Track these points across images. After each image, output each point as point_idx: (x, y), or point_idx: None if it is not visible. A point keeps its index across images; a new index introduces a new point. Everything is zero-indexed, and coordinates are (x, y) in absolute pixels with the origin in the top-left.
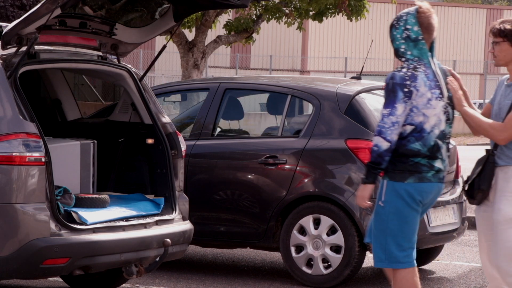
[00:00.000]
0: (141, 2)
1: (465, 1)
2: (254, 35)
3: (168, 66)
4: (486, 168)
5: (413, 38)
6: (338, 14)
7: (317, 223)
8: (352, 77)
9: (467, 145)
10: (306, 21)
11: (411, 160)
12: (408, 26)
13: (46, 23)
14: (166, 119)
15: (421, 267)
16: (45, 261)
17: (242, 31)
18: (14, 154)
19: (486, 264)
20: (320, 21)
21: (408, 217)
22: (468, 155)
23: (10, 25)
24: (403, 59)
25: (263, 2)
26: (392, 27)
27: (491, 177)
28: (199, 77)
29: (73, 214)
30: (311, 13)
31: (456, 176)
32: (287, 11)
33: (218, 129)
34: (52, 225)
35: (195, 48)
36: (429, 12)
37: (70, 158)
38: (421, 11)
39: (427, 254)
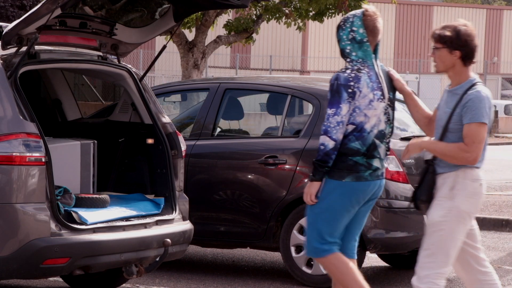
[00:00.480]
0: (141, 2)
1: (465, 1)
2: (254, 35)
3: (168, 66)
4: (425, 178)
5: (358, 40)
6: (338, 14)
7: None
8: None
9: None
10: (306, 21)
11: (350, 159)
12: (354, 28)
13: (46, 23)
14: (166, 119)
15: None
16: (45, 261)
17: (242, 31)
18: (14, 154)
19: (458, 269)
20: (321, 21)
21: (338, 216)
22: None
23: (10, 25)
24: (348, 59)
25: (263, 2)
26: (339, 28)
27: (430, 187)
28: (199, 77)
29: (73, 214)
30: (311, 13)
31: None
32: (287, 11)
33: (218, 129)
34: (52, 225)
35: (195, 48)
36: (375, 15)
37: (70, 158)
38: (367, 14)
39: None
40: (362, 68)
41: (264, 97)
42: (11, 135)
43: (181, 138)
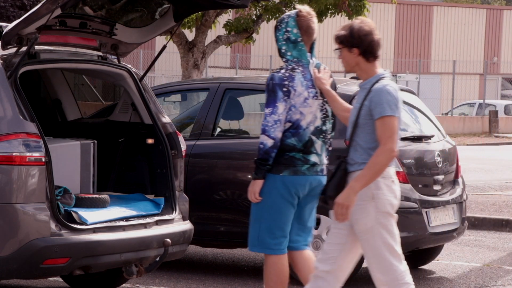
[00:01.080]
0: (141, 2)
1: (465, 1)
2: (254, 35)
3: (168, 66)
4: (335, 174)
5: (292, 39)
6: (338, 14)
7: (317, 223)
8: (352, 77)
9: (467, 145)
10: None
11: (286, 154)
12: (289, 28)
13: (46, 23)
14: (166, 119)
15: (421, 267)
16: (45, 261)
17: (242, 31)
18: (14, 154)
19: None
20: (320, 21)
21: (282, 208)
22: (468, 155)
23: (10, 25)
24: (284, 59)
25: (263, 2)
26: (275, 28)
27: (339, 184)
28: (199, 77)
29: (73, 214)
30: None
31: (456, 176)
32: (287, 11)
33: (218, 129)
34: (52, 225)
35: (195, 48)
36: (309, 15)
37: (70, 158)
38: (300, 14)
39: (427, 254)
40: (296, 67)
41: (264, 97)
42: (11, 135)
43: (181, 138)
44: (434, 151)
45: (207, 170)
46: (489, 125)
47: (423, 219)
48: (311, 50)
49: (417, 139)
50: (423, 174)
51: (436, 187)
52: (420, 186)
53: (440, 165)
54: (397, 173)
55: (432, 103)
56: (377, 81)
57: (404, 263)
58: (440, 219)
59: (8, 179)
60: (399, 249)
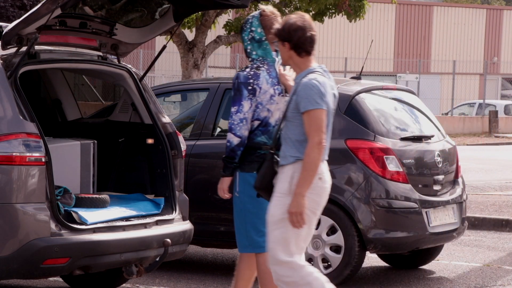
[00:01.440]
0: (141, 2)
1: (465, 1)
2: None
3: (168, 66)
4: (263, 166)
5: (257, 39)
6: (338, 14)
7: (317, 223)
8: (352, 77)
9: (467, 145)
10: None
11: (258, 152)
12: (253, 28)
13: (46, 23)
14: (166, 119)
15: (421, 267)
16: (45, 261)
17: None
18: (14, 154)
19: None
20: (321, 21)
21: (263, 204)
22: (468, 155)
23: (10, 25)
24: (250, 59)
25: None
26: (241, 29)
27: (265, 176)
28: (199, 77)
29: (73, 214)
30: (311, 13)
31: (456, 176)
32: (287, 11)
33: (218, 129)
34: (52, 225)
35: (195, 48)
36: (273, 15)
37: (70, 158)
38: (264, 14)
39: (427, 254)
40: (261, 65)
41: None
42: (11, 135)
43: (181, 138)
44: (434, 151)
45: (207, 170)
46: (489, 125)
47: (423, 219)
48: (276, 50)
49: (417, 139)
50: (423, 174)
51: (436, 187)
52: (420, 186)
53: (440, 165)
54: (397, 173)
55: (432, 103)
56: (305, 76)
57: (301, 257)
58: (440, 219)
59: (8, 179)
60: (297, 248)
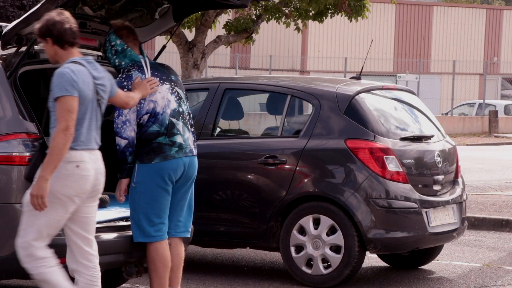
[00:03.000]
0: (141, 2)
1: (465, 1)
2: (254, 35)
3: None
4: (33, 156)
5: (120, 50)
6: (338, 14)
7: (317, 223)
8: (352, 77)
9: (467, 145)
10: (307, 21)
11: (154, 142)
12: (112, 43)
13: None
14: None
15: (421, 267)
16: None
17: (242, 31)
18: (14, 154)
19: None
20: (321, 21)
21: (157, 196)
22: (468, 155)
23: (10, 25)
24: (122, 70)
25: (263, 2)
26: (104, 51)
27: (34, 166)
28: (199, 77)
29: None
30: (310, 13)
31: (456, 176)
32: (287, 11)
33: (218, 129)
34: None
35: (195, 48)
36: (123, 24)
37: None
38: (116, 26)
39: (427, 254)
40: (131, 67)
41: (264, 97)
42: (11, 135)
43: None
44: (434, 151)
45: (207, 170)
46: (489, 125)
47: (423, 219)
48: (141, 52)
49: (417, 139)
50: (423, 174)
51: (436, 187)
52: (420, 186)
53: (440, 165)
54: (397, 173)
55: (432, 103)
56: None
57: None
58: (440, 219)
59: (8, 179)
60: (46, 233)
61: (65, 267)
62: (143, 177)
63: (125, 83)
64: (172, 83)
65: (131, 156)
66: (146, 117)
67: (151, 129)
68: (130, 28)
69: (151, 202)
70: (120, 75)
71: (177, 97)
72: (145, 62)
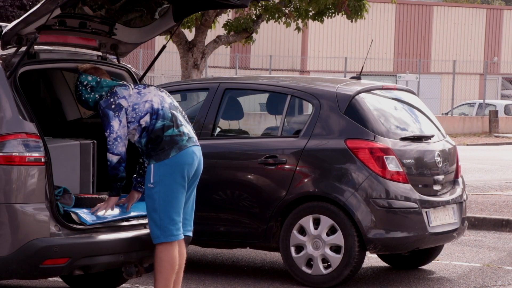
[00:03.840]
0: (141, 2)
1: (465, 1)
2: (254, 35)
3: (168, 66)
4: None
5: (95, 84)
6: (337, 14)
7: (317, 223)
8: (352, 77)
9: (467, 145)
10: (307, 21)
11: (165, 136)
12: (85, 82)
13: (46, 23)
14: None
15: (421, 267)
16: (45, 261)
17: (242, 31)
18: (13, 154)
19: None
20: (321, 21)
21: (177, 193)
22: (468, 155)
23: (10, 25)
24: (103, 98)
25: (263, 2)
26: (79, 96)
27: None
28: (199, 77)
29: (73, 215)
30: (310, 13)
31: (456, 176)
32: (286, 11)
33: (218, 129)
34: (52, 225)
35: (195, 48)
36: (90, 65)
37: (70, 158)
38: (82, 70)
39: (427, 254)
40: (113, 88)
41: (264, 97)
42: (11, 135)
43: None
44: (434, 151)
45: (207, 170)
46: (489, 125)
47: (423, 219)
48: (113, 75)
49: (417, 139)
50: (423, 174)
51: (436, 187)
52: (420, 186)
53: (440, 165)
54: (397, 173)
55: (432, 103)
56: None
57: None
58: (440, 219)
59: (7, 179)
60: None
61: (66, 267)
62: (162, 176)
63: (112, 100)
64: (157, 87)
65: (124, 173)
66: (147, 117)
67: (157, 125)
68: (96, 66)
69: (172, 201)
70: (104, 97)
71: (167, 95)
72: (124, 84)
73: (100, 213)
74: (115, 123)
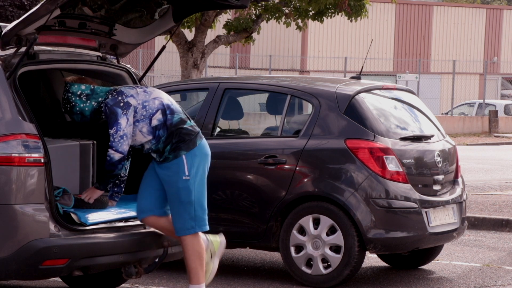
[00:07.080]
0: (141, 2)
1: (465, 1)
2: (254, 35)
3: (168, 66)
4: None
5: (90, 92)
6: (338, 14)
7: (316, 223)
8: (352, 77)
9: (467, 145)
10: (306, 20)
11: (185, 128)
12: (79, 92)
13: (46, 23)
14: None
15: (421, 267)
16: (44, 262)
17: (242, 31)
18: (13, 154)
19: None
20: (321, 21)
21: (205, 181)
22: (468, 155)
23: (10, 26)
24: (103, 103)
25: (263, 2)
26: (71, 108)
27: None
28: (199, 77)
29: (72, 215)
30: (310, 13)
31: (456, 176)
32: (286, 11)
33: (218, 129)
34: (51, 226)
35: (195, 48)
36: (77, 77)
37: (70, 159)
38: (70, 81)
39: (427, 254)
40: (116, 88)
41: (263, 97)
42: (10, 135)
43: None
44: (434, 151)
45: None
46: (489, 125)
47: (423, 219)
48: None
49: (417, 139)
50: (423, 174)
51: (436, 187)
52: (420, 186)
53: (440, 165)
54: (397, 173)
55: (432, 103)
56: None
57: None
58: (440, 219)
59: (7, 180)
60: None
61: (65, 267)
62: (194, 166)
63: (120, 98)
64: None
65: (120, 170)
66: (159, 114)
67: (175, 119)
68: (82, 77)
69: (203, 190)
70: (110, 96)
71: (166, 95)
72: (124, 81)
73: (81, 200)
74: (122, 121)
